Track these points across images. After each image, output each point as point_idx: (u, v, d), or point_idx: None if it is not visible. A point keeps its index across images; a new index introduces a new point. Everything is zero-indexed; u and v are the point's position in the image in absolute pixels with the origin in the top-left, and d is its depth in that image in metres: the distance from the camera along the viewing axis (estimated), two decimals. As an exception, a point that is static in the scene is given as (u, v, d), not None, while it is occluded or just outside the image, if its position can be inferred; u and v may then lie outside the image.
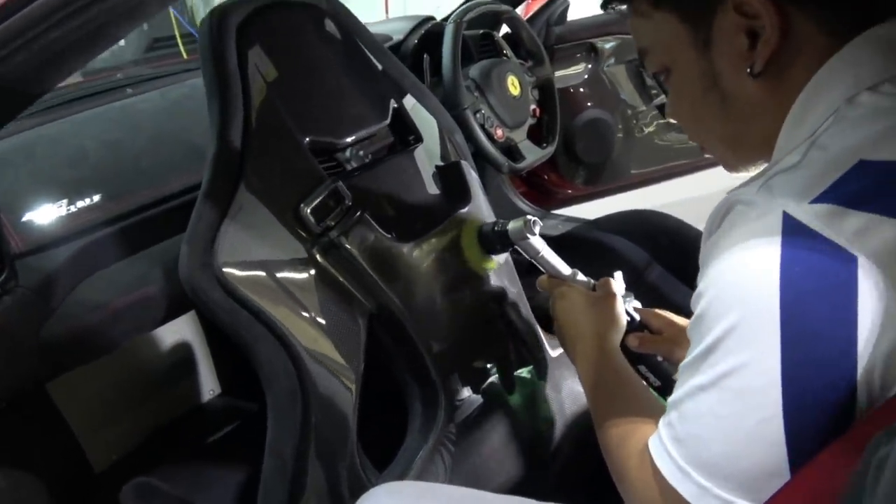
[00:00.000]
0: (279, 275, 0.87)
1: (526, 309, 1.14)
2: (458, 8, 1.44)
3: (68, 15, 0.60)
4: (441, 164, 1.15)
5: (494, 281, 1.10)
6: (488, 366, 1.07)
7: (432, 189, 1.11)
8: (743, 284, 0.49)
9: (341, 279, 0.92)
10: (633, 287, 0.94)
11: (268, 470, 0.85)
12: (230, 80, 0.88)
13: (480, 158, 1.33)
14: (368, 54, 1.11)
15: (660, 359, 0.91)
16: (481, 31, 1.55)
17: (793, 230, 0.47)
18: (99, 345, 0.97)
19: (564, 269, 0.97)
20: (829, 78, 0.53)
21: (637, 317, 0.92)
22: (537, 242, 0.97)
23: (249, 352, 0.84)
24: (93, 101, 1.25)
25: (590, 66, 1.88)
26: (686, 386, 0.54)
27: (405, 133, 1.12)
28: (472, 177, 1.14)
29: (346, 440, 0.89)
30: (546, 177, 1.94)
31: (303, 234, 0.90)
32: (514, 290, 1.13)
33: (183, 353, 1.43)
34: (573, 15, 1.87)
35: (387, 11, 3.61)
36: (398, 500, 0.74)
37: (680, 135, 1.97)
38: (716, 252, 0.51)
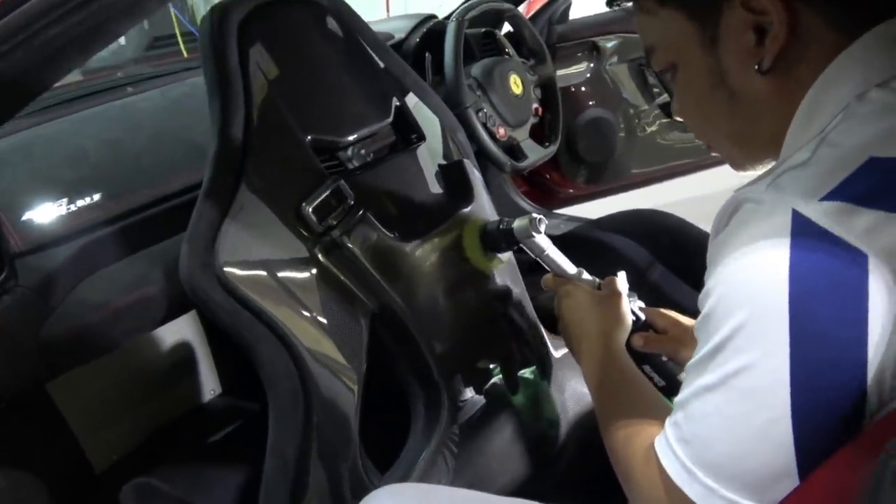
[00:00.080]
0: (280, 274, 0.86)
1: (529, 309, 1.13)
2: (460, 6, 1.43)
3: (69, 11, 0.60)
4: (444, 162, 1.14)
5: (498, 280, 1.09)
6: (491, 366, 1.06)
7: (435, 188, 1.10)
8: (751, 283, 0.48)
9: (343, 279, 0.91)
10: (635, 286, 0.93)
11: (269, 470, 0.84)
12: (231, 78, 0.87)
13: (482, 157, 1.32)
14: (370, 52, 1.10)
15: (664, 358, 0.91)
16: (483, 30, 1.55)
17: (802, 228, 0.46)
18: (99, 344, 0.97)
19: (570, 267, 0.97)
20: (838, 75, 0.53)
21: (642, 316, 0.92)
22: (543, 241, 0.96)
23: (251, 352, 0.84)
24: (93, 99, 1.25)
25: (592, 64, 1.88)
26: (693, 386, 0.53)
27: (408, 132, 1.12)
28: (475, 176, 1.13)
29: (348, 441, 0.89)
30: (548, 176, 1.94)
31: (304, 233, 0.89)
32: (518, 289, 1.12)
33: (183, 353, 1.42)
34: (575, 13, 1.86)
35: (388, 9, 3.60)
36: (400, 503, 0.74)
37: (682, 134, 1.97)
38: (724, 251, 0.51)
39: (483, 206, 1.11)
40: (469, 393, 1.03)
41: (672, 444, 0.55)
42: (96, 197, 0.99)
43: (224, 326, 0.82)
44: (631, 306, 0.90)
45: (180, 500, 1.15)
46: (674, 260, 1.44)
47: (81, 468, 1.22)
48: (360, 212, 0.93)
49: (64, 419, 1.18)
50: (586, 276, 0.95)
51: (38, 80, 0.69)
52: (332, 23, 1.05)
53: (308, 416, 0.84)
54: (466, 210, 1.06)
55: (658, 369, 0.90)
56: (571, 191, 1.97)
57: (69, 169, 1.02)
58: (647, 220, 1.56)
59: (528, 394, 1.06)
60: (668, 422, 0.57)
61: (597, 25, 1.85)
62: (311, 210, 0.88)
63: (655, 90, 1.90)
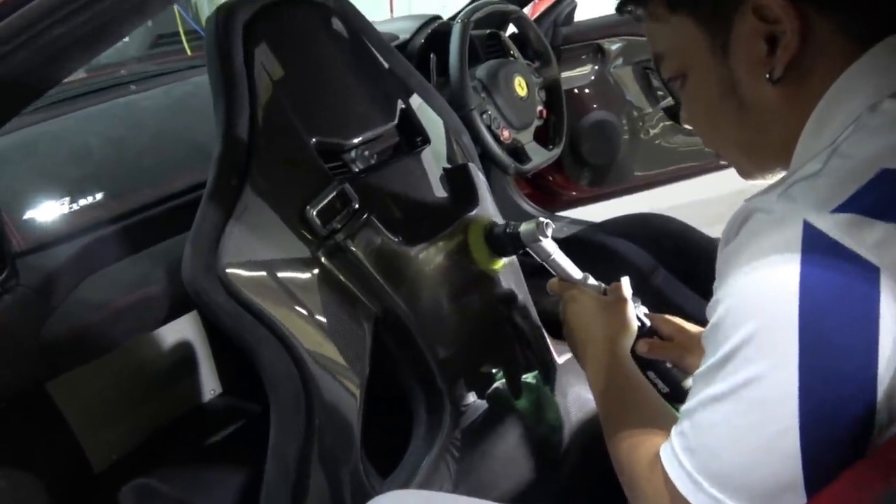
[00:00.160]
0: (283, 277, 0.86)
1: (533, 313, 1.13)
2: (466, 7, 1.43)
3: (73, 11, 0.60)
4: (448, 166, 1.14)
5: (502, 284, 1.09)
6: (494, 370, 1.06)
7: (439, 192, 1.10)
8: (761, 294, 0.48)
9: (347, 282, 0.91)
10: (638, 291, 0.93)
11: (270, 474, 0.84)
12: (236, 79, 0.87)
13: (486, 159, 1.32)
14: (376, 53, 1.10)
15: (669, 365, 0.90)
16: (488, 31, 1.54)
17: (813, 240, 0.46)
18: (100, 344, 0.96)
19: (575, 272, 0.96)
20: (850, 85, 0.52)
21: (647, 322, 0.92)
22: (549, 245, 0.96)
23: (253, 355, 0.83)
24: (96, 97, 1.25)
25: (596, 67, 1.87)
26: (700, 395, 0.53)
27: (412, 134, 1.11)
28: (480, 179, 1.13)
29: (349, 445, 0.88)
30: (551, 178, 1.93)
31: (308, 236, 0.89)
32: (521, 293, 1.12)
33: (184, 352, 1.42)
34: (580, 15, 1.86)
35: (391, 10, 3.60)
36: (403, 508, 0.73)
37: (686, 137, 1.97)
38: (734, 261, 0.50)
39: (488, 210, 1.10)
40: (472, 397, 1.03)
41: (678, 454, 0.55)
42: (98, 196, 0.98)
43: (226, 329, 0.82)
44: (636, 312, 0.90)
45: (180, 501, 1.15)
46: (677, 265, 1.43)
47: (81, 468, 1.22)
48: (365, 215, 0.92)
49: (64, 419, 1.18)
50: (592, 281, 0.95)
51: (41, 79, 0.69)
52: (337, 23, 1.05)
53: (310, 419, 0.83)
54: (471, 214, 1.05)
55: (662, 376, 0.90)
56: (574, 193, 1.96)
57: (71, 168, 1.01)
58: (651, 224, 1.55)
59: (530, 399, 1.06)
60: (674, 431, 0.57)
61: (602, 28, 1.84)
62: (315, 213, 0.88)
63: (660, 93, 1.90)
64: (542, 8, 1.83)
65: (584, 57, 1.87)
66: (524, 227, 0.97)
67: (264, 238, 0.85)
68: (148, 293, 0.97)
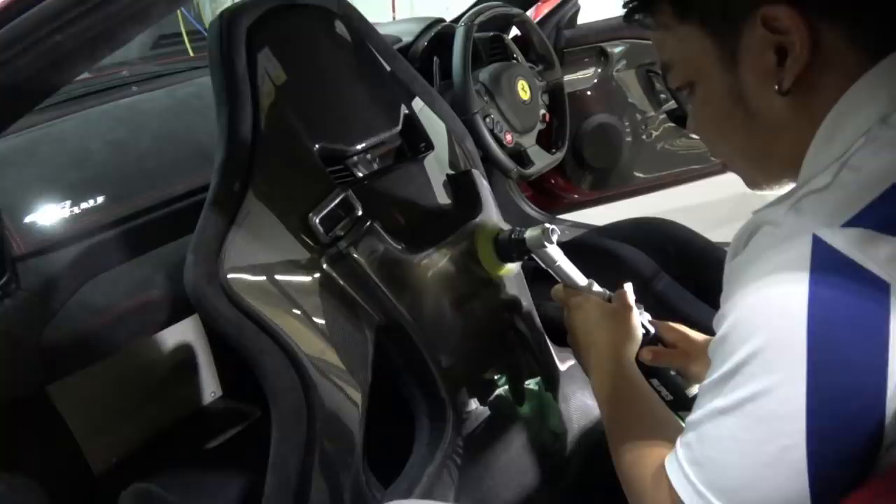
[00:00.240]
0: (286, 285, 0.85)
1: (536, 319, 1.12)
2: (469, 10, 1.42)
3: (76, 17, 0.59)
4: (451, 172, 1.13)
5: (505, 290, 1.08)
6: (496, 377, 1.05)
7: (443, 198, 1.09)
8: (770, 308, 0.48)
9: (349, 290, 0.90)
10: (640, 296, 0.93)
11: (271, 483, 0.83)
12: (239, 84, 0.86)
13: (489, 163, 1.31)
14: (379, 58, 1.09)
15: (673, 372, 0.90)
16: (491, 34, 1.54)
17: (823, 255, 0.46)
18: (101, 348, 0.96)
19: (580, 279, 0.96)
20: (861, 97, 0.52)
21: (652, 329, 0.91)
22: (554, 251, 0.95)
23: (254, 363, 0.82)
24: (98, 98, 1.24)
25: (599, 70, 1.87)
26: (706, 408, 0.53)
27: (416, 140, 1.10)
28: (484, 186, 1.12)
29: (351, 454, 0.88)
30: (553, 181, 1.92)
31: (311, 243, 0.88)
32: (525, 300, 1.11)
33: (184, 355, 1.41)
34: (583, 18, 1.85)
35: (394, 10, 3.59)
36: (405, 518, 0.73)
37: (688, 141, 1.96)
38: (742, 274, 0.50)
39: (491, 217, 1.09)
40: (474, 404, 1.02)
41: (683, 466, 0.54)
42: (100, 199, 0.97)
43: (227, 337, 0.81)
44: (640, 319, 0.89)
45: (180, 505, 1.14)
46: (680, 269, 1.43)
47: (81, 471, 1.22)
48: (368, 222, 0.92)
49: (64, 422, 1.17)
50: (597, 287, 0.94)
51: (41, 87, 0.68)
52: (340, 28, 1.04)
53: (311, 427, 0.83)
54: (475, 221, 1.05)
55: (666, 383, 0.90)
56: (577, 196, 1.96)
57: (72, 170, 1.01)
58: (654, 228, 1.55)
59: (533, 405, 1.05)
60: (679, 441, 0.57)
61: (605, 31, 1.83)
62: (318, 220, 0.87)
63: (662, 96, 1.89)
64: (546, 11, 1.82)
65: (586, 60, 1.86)
66: (530, 233, 0.97)
67: (267, 245, 0.84)
68: (149, 297, 0.96)
